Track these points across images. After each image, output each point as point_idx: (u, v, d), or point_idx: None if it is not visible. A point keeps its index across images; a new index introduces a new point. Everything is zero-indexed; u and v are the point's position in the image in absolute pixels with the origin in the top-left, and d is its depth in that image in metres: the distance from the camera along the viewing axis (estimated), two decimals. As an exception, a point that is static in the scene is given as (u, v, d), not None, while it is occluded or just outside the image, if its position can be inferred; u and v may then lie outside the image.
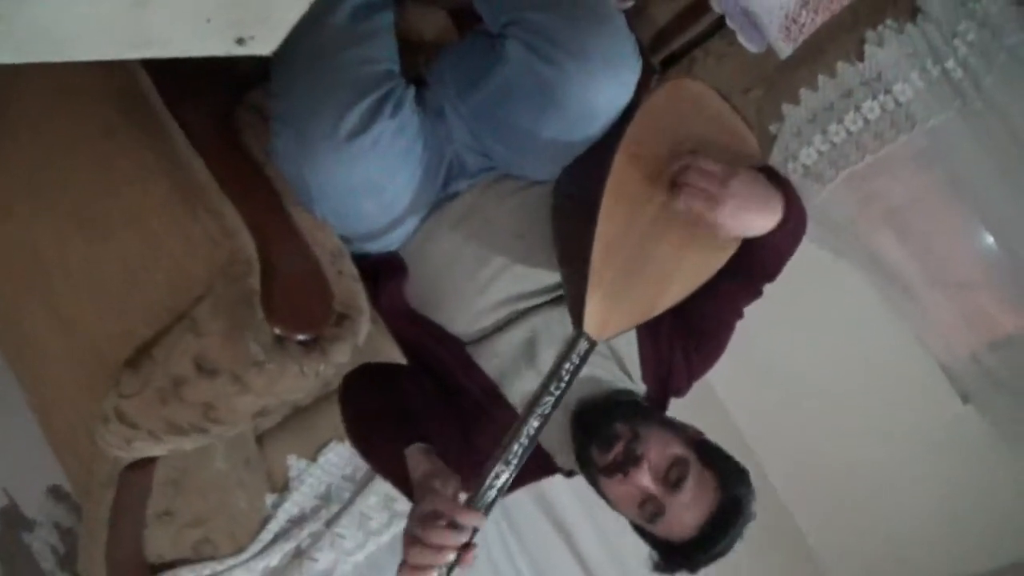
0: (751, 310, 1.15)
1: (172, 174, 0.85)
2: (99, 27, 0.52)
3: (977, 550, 2.14)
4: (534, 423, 0.88)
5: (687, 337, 1.10)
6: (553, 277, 1.04)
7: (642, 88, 1.01)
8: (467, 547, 0.83)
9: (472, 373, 1.04)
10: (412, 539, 0.82)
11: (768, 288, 1.13)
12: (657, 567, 1.04)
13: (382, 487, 1.61)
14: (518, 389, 1.03)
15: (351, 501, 1.58)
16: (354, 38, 0.89)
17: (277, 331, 0.88)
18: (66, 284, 1.01)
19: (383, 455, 1.01)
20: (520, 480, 1.12)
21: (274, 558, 1.46)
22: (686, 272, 0.99)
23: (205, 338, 0.87)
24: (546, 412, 0.88)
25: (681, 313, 1.00)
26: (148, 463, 1.21)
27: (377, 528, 1.60)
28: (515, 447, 0.86)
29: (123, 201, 0.86)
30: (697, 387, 1.19)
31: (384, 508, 1.63)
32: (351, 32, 0.89)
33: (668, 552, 1.02)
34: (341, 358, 0.92)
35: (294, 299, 0.90)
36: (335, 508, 1.56)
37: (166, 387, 0.92)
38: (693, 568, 1.02)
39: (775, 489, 2.29)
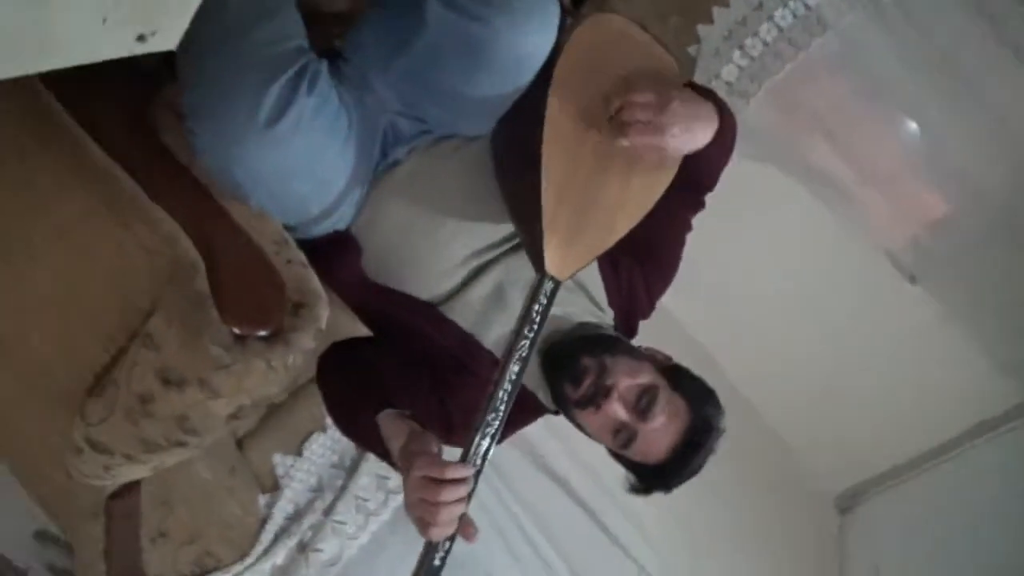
0: (694, 236, 1.18)
1: (95, 187, 0.81)
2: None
3: (944, 417, 2.27)
4: (515, 368, 0.89)
5: (643, 259, 1.13)
6: (508, 227, 1.05)
7: (560, 26, 1.01)
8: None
9: (446, 329, 1.05)
10: (418, 503, 0.84)
11: (709, 209, 1.16)
12: (633, 488, 1.09)
13: (372, 468, 1.63)
14: (494, 335, 1.04)
15: (344, 487, 1.59)
16: (257, 17, 0.86)
17: (236, 330, 0.86)
18: (8, 321, 0.97)
19: (361, 428, 1.02)
20: (514, 424, 1.16)
21: (279, 556, 1.47)
22: (634, 199, 1.01)
23: (164, 350, 0.86)
24: (524, 355, 0.90)
25: (635, 237, 1.03)
26: (132, 488, 1.19)
27: (375, 508, 1.62)
28: (500, 393, 0.88)
29: (47, 221, 0.82)
30: (661, 318, 1.22)
31: (378, 488, 1.64)
32: (254, 11, 0.86)
33: (643, 474, 1.07)
34: (306, 345, 0.92)
35: (246, 295, 0.89)
36: (330, 497, 1.57)
37: (134, 406, 0.91)
38: (667, 488, 1.07)
39: (747, 399, 2.37)
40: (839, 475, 2.59)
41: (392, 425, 0.96)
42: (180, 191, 0.87)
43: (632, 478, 1.09)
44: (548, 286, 0.93)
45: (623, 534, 1.83)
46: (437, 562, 0.84)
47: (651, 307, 1.21)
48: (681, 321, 2.35)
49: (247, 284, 0.90)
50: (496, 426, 0.88)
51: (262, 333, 0.89)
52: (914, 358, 2.25)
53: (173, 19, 0.58)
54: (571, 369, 1.02)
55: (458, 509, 0.85)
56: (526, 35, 0.94)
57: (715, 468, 1.09)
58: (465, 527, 0.86)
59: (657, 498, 1.10)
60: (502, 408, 0.88)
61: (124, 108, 0.88)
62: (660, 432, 1.01)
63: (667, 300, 1.22)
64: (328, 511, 1.56)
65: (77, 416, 0.97)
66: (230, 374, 0.85)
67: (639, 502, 1.15)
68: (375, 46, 0.99)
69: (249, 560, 1.42)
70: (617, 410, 1.00)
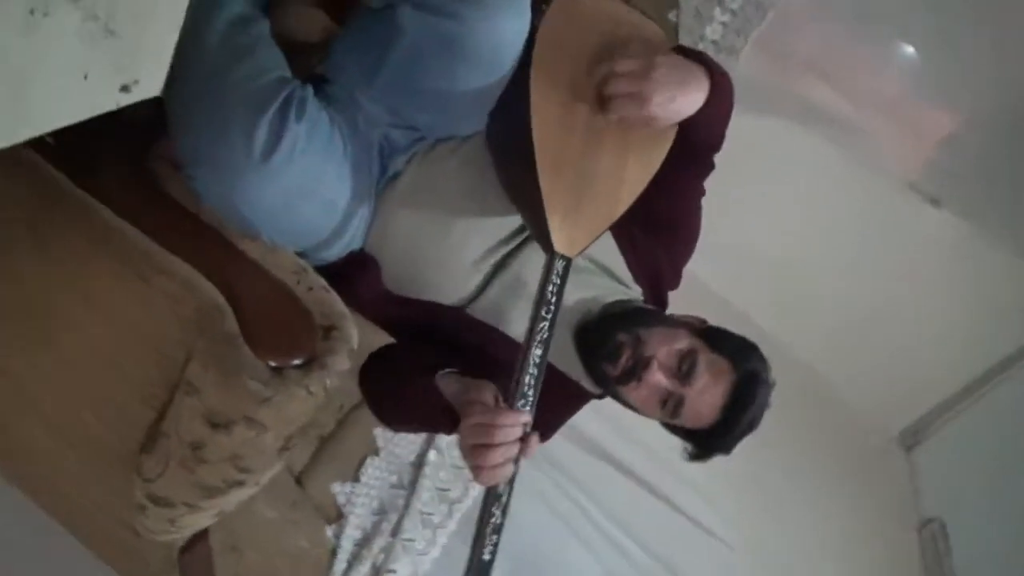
0: (712, 197, 1.17)
1: (108, 248, 0.83)
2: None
3: (993, 337, 2.21)
4: (537, 351, 0.89)
5: (661, 230, 1.13)
6: (517, 220, 1.05)
7: (535, 9, 1.01)
8: (524, 439, 0.85)
9: (476, 329, 1.06)
10: (471, 449, 0.85)
11: (721, 168, 1.15)
12: (692, 456, 1.08)
13: (431, 482, 1.64)
14: (519, 324, 1.04)
15: (407, 505, 1.59)
16: (235, 55, 0.88)
17: (271, 363, 0.88)
18: (53, 396, 1.00)
19: (417, 410, 1.02)
20: (560, 415, 1.15)
21: (354, 584, 1.48)
22: (634, 169, 1.00)
23: (205, 394, 0.87)
24: (545, 337, 0.89)
25: (647, 209, 1.02)
26: (201, 539, 1.21)
27: (440, 521, 1.62)
28: (526, 379, 0.88)
29: (70, 292, 0.84)
30: (689, 284, 1.22)
31: (440, 501, 1.65)
32: (230, 50, 0.88)
33: (699, 440, 1.06)
34: (342, 366, 0.93)
35: (275, 327, 0.90)
36: (395, 517, 1.58)
37: (187, 455, 0.92)
38: (727, 449, 1.06)
39: (790, 350, 2.34)
40: (898, 413, 2.55)
41: (448, 384, 0.97)
42: (192, 239, 0.89)
43: (689, 446, 1.09)
44: (559, 265, 0.93)
45: (689, 505, 1.81)
46: (487, 557, 0.84)
47: (677, 277, 1.20)
48: (711, 284, 2.33)
49: (274, 317, 0.91)
50: (526, 412, 0.87)
51: (297, 361, 0.90)
52: (952, 281, 2.21)
53: (152, 65, 0.60)
54: (607, 347, 1.02)
55: (509, 452, 0.84)
56: (499, 24, 0.94)
57: (772, 424, 1.08)
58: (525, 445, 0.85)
59: (720, 463, 1.09)
60: (530, 394, 0.87)
61: (124, 165, 0.89)
62: (707, 394, 1.01)
63: (694, 265, 1.22)
64: (395, 531, 1.56)
65: (134, 474, 0.99)
66: (272, 406, 0.87)
67: (701, 471, 1.14)
68: (355, 64, 1.00)
69: (325, 592, 1.43)
70: (660, 379, 1.01)
